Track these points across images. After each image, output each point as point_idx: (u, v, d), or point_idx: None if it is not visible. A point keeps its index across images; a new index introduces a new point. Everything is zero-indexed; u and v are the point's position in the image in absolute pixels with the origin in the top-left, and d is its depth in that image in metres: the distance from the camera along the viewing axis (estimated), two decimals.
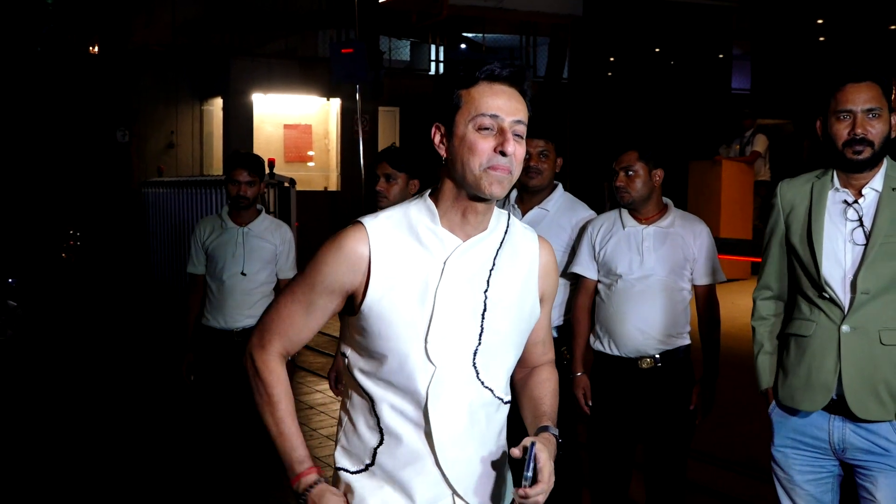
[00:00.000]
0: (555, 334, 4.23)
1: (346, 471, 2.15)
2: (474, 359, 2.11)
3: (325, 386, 7.70)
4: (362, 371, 2.13)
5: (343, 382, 2.28)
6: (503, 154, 2.01)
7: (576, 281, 4.19)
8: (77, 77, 18.14)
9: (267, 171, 7.15)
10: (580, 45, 13.90)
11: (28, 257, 11.18)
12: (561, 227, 4.25)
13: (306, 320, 2.16)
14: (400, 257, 2.07)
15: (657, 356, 3.98)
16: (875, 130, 3.00)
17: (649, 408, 4.03)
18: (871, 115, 3.00)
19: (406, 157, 4.37)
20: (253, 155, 5.33)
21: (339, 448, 2.20)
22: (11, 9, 17.99)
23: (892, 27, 10.95)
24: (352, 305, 2.11)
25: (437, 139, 2.11)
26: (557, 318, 4.25)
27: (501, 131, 2.03)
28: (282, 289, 2.26)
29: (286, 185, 10.59)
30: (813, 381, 3.07)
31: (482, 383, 2.13)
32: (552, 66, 16.15)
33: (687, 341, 4.06)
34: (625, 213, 4.09)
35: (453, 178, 2.08)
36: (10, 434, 6.91)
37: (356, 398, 2.17)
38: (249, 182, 5.00)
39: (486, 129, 2.03)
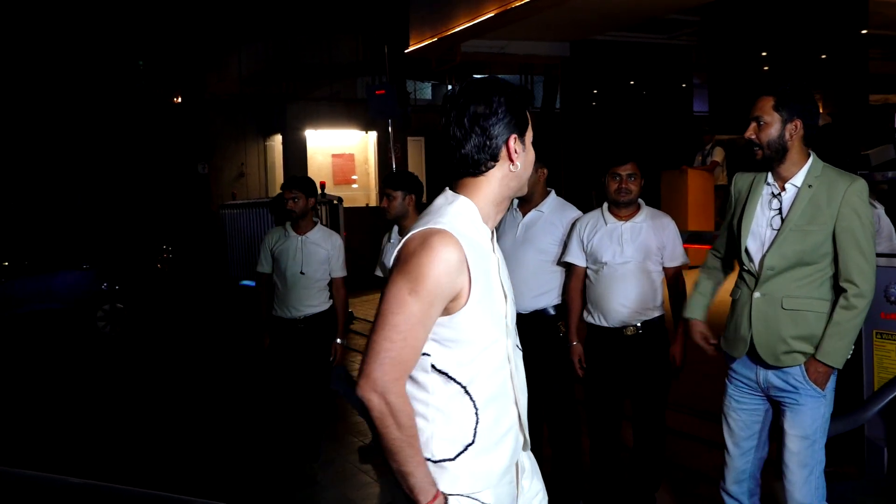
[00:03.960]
0: (552, 312, 4.25)
1: (447, 459, 1.93)
2: (508, 322, 2.07)
3: None
4: (453, 362, 1.93)
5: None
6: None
7: (568, 268, 4.20)
8: (164, 122, 18.28)
9: (319, 191, 7.20)
10: (569, 81, 13.86)
11: (131, 268, 11.27)
12: (554, 224, 4.26)
13: (425, 335, 1.90)
14: (476, 255, 1.95)
15: (639, 325, 3.99)
16: (763, 136, 3.06)
17: (634, 368, 4.03)
18: (760, 123, 3.07)
19: (400, 179, 4.65)
20: (299, 177, 5.38)
21: (435, 441, 1.94)
22: (113, 69, 18.18)
23: (823, 56, 10.87)
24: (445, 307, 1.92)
25: (516, 149, 2.00)
26: (556, 298, 4.26)
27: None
28: (386, 316, 1.85)
29: (335, 202, 10.64)
30: (737, 334, 3.18)
31: (513, 339, 2.09)
32: (547, 99, 16.14)
33: (661, 312, 4.07)
34: (606, 212, 4.10)
35: (514, 180, 2.03)
36: (119, 402, 6.99)
37: (443, 389, 1.94)
38: (294, 198, 5.08)
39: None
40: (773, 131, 3.04)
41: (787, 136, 3.04)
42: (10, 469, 1.93)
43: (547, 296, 4.24)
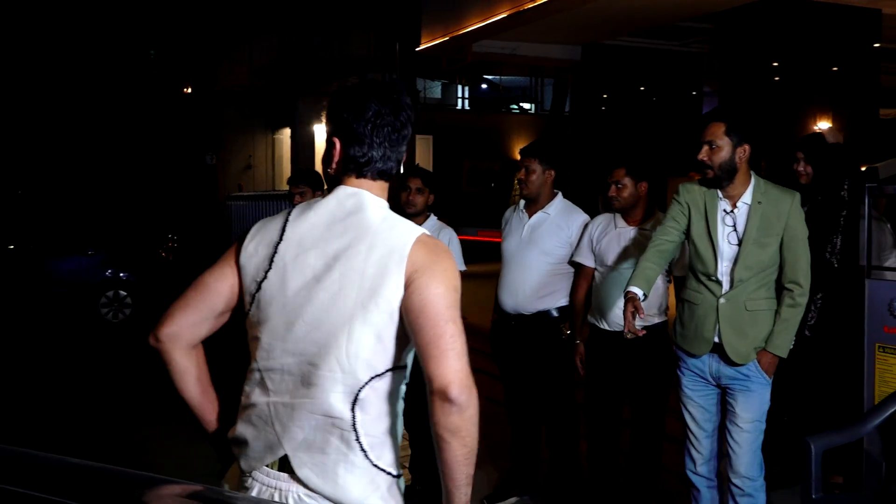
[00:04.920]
0: (556, 314, 4.25)
1: (394, 474, 1.87)
2: None
3: None
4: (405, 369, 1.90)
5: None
6: None
7: (578, 268, 4.20)
8: (174, 113, 18.33)
9: (326, 186, 7.25)
10: (579, 85, 13.87)
11: (137, 257, 11.29)
12: (559, 227, 4.25)
13: None
14: None
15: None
16: (715, 158, 3.32)
17: (634, 372, 4.03)
18: (712, 146, 3.33)
19: (429, 174, 4.53)
20: (306, 171, 5.52)
21: (392, 458, 1.87)
22: (124, 58, 18.23)
23: (835, 69, 10.87)
24: None
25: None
26: (560, 300, 4.25)
27: None
28: (453, 311, 1.77)
29: None
30: (699, 335, 3.47)
31: None
32: (556, 102, 16.17)
33: (664, 318, 4.07)
34: (618, 216, 4.12)
35: None
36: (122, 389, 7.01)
37: (395, 402, 1.89)
38: (301, 192, 5.14)
39: None
40: (724, 154, 3.33)
41: (737, 158, 3.33)
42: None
43: (550, 297, 4.24)
